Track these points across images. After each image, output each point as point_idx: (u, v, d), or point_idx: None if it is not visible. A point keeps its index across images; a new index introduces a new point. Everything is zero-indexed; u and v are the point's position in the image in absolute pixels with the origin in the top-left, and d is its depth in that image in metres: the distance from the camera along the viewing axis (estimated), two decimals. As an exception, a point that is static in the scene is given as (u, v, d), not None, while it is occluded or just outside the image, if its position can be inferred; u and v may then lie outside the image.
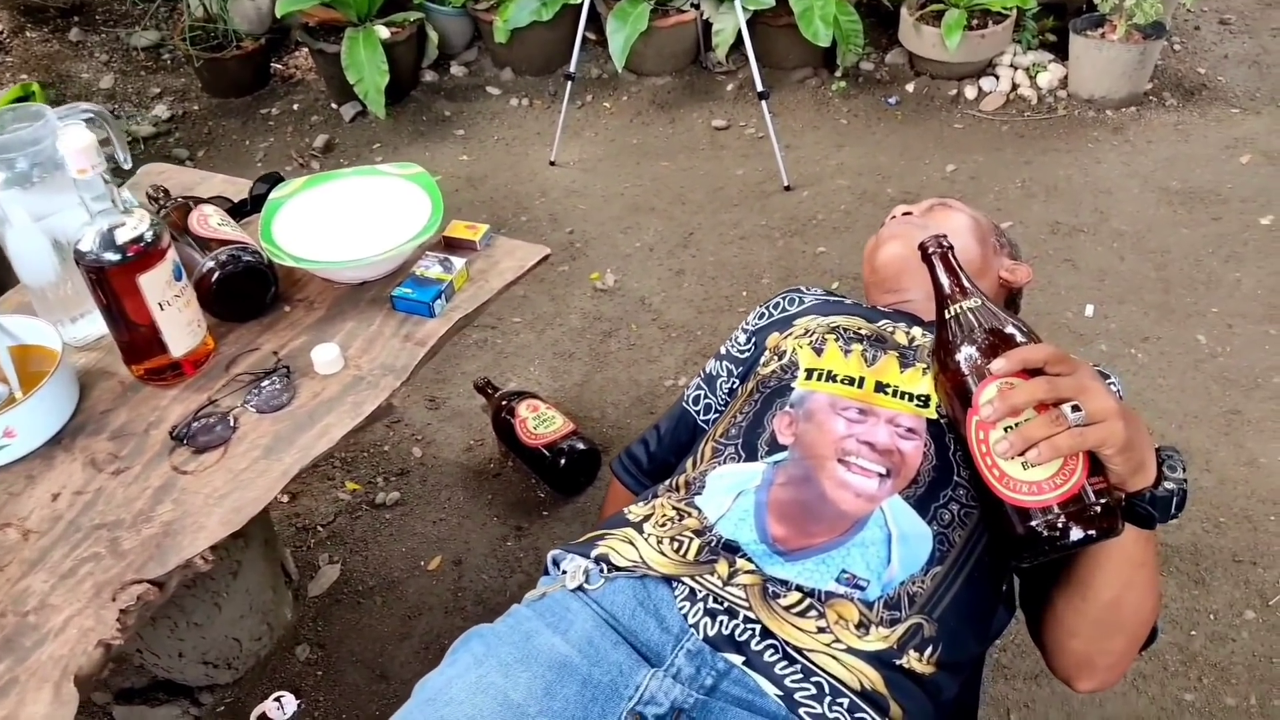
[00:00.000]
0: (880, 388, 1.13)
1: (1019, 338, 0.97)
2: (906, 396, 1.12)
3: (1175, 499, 0.92)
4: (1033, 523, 0.88)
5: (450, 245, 1.67)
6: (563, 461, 1.89)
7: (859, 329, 1.26)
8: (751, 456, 1.09)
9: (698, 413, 1.45)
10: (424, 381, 2.24)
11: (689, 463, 1.16)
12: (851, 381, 1.14)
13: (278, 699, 1.44)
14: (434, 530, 1.89)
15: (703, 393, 1.46)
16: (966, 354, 0.97)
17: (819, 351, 1.21)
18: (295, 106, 3.29)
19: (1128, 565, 0.96)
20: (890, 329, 1.27)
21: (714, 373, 1.45)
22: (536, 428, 1.93)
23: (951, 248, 1.05)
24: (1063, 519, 0.87)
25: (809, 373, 1.17)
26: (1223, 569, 1.72)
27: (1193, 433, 1.96)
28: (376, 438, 2.10)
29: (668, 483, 1.14)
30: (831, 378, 1.15)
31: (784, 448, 1.08)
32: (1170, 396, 2.04)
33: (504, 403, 2.00)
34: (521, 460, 1.97)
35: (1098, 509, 0.87)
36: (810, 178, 2.84)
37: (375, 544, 1.88)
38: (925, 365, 1.05)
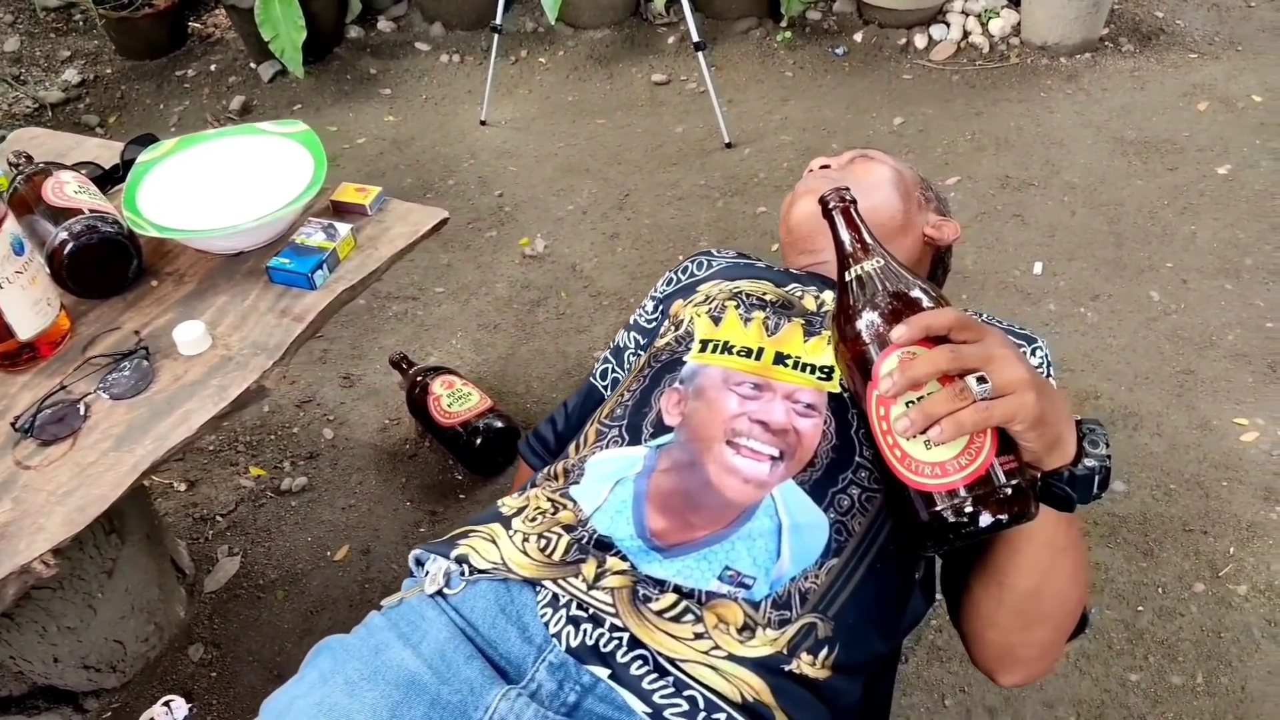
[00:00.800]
0: (780, 359, 1.02)
1: (925, 302, 0.86)
2: (808, 369, 1.01)
3: (1097, 478, 0.82)
4: (937, 508, 0.78)
5: (339, 210, 1.54)
6: (478, 440, 1.77)
7: (764, 294, 1.14)
8: (635, 439, 0.97)
9: (605, 388, 1.34)
10: (339, 358, 2.11)
11: (572, 447, 1.05)
12: (749, 353, 1.03)
13: (167, 703, 1.33)
14: (342, 518, 1.77)
15: (610, 366, 1.35)
16: (867, 320, 0.86)
17: (717, 320, 1.09)
18: (213, 68, 3.11)
19: (1047, 551, 0.87)
20: (799, 293, 1.16)
21: (621, 344, 1.34)
22: (450, 405, 1.80)
23: (854, 201, 0.94)
24: (970, 503, 0.77)
25: (704, 344, 1.06)
26: (1172, 539, 1.63)
27: (1143, 395, 1.87)
28: (285, 419, 1.98)
29: (546, 470, 1.03)
30: (727, 349, 1.04)
31: (669, 429, 0.97)
32: (1120, 357, 1.95)
33: (419, 379, 1.88)
34: (437, 440, 1.85)
35: (1008, 491, 0.77)
36: (753, 134, 2.71)
37: (279, 534, 1.75)
38: (831, 333, 0.94)
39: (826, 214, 0.95)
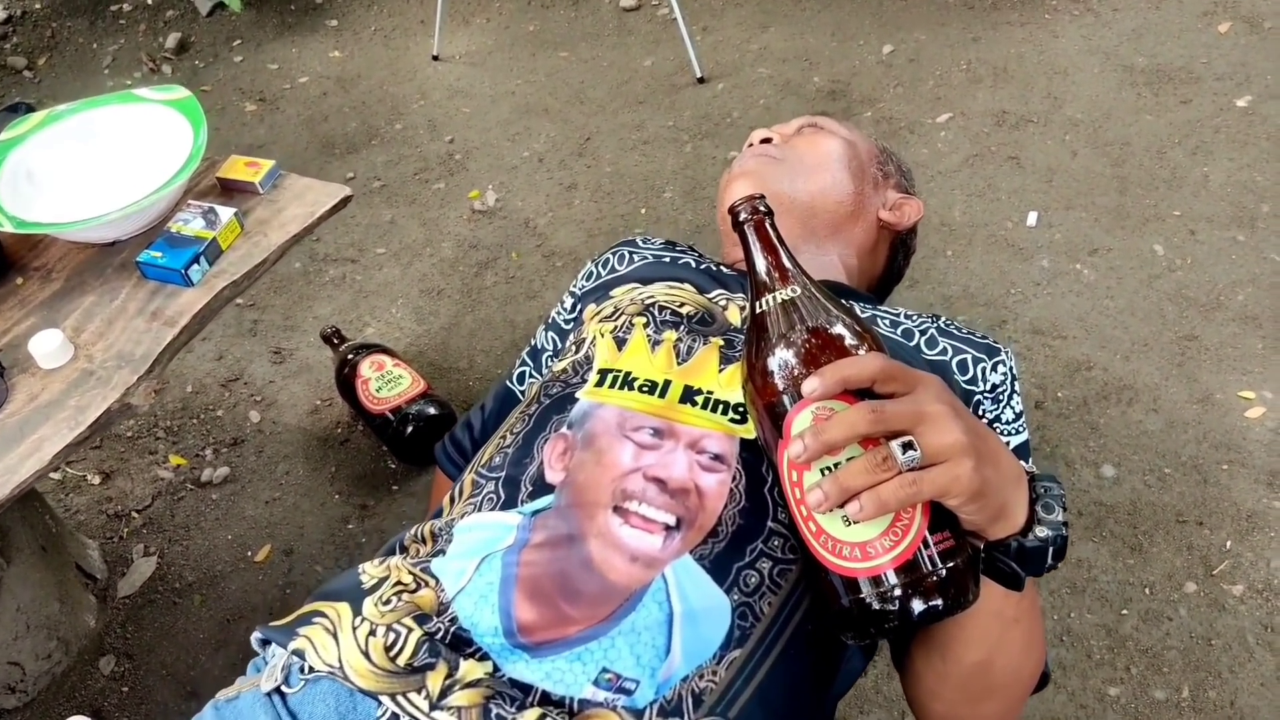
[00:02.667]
0: (688, 396, 0.86)
1: (848, 341, 0.70)
2: (720, 408, 0.85)
3: (1051, 548, 0.67)
4: (860, 594, 0.65)
5: (227, 189, 1.37)
6: (408, 429, 1.62)
7: (681, 304, 0.98)
8: (510, 500, 0.83)
9: (523, 393, 1.19)
10: (270, 329, 1.96)
11: (446, 499, 0.90)
12: (652, 388, 0.88)
13: (71, 726, 1.22)
14: (266, 513, 1.64)
15: (527, 369, 1.20)
16: (780, 362, 0.71)
17: (621, 343, 0.93)
18: (149, 1, 2.88)
19: (996, 622, 0.73)
20: (723, 302, 1.00)
21: (540, 345, 1.18)
22: (380, 389, 1.66)
23: (768, 213, 0.78)
24: (898, 589, 0.65)
25: (602, 376, 0.90)
26: (1164, 532, 1.48)
27: (1141, 364, 1.70)
28: (210, 400, 1.84)
29: (414, 531, 0.88)
30: (628, 383, 0.89)
31: (550, 488, 0.82)
32: (1117, 321, 1.77)
33: (349, 358, 1.72)
34: (367, 426, 1.71)
35: (942, 574, 0.65)
36: (727, 67, 2.48)
37: (198, 531, 1.63)
38: (741, 369, 0.77)
39: (736, 227, 0.78)
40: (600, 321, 0.96)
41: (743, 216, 0.77)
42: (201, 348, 1.92)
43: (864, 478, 0.61)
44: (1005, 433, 0.98)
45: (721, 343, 0.91)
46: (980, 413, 0.96)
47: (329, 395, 1.81)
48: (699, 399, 0.85)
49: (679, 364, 0.89)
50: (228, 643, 1.48)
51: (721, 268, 1.08)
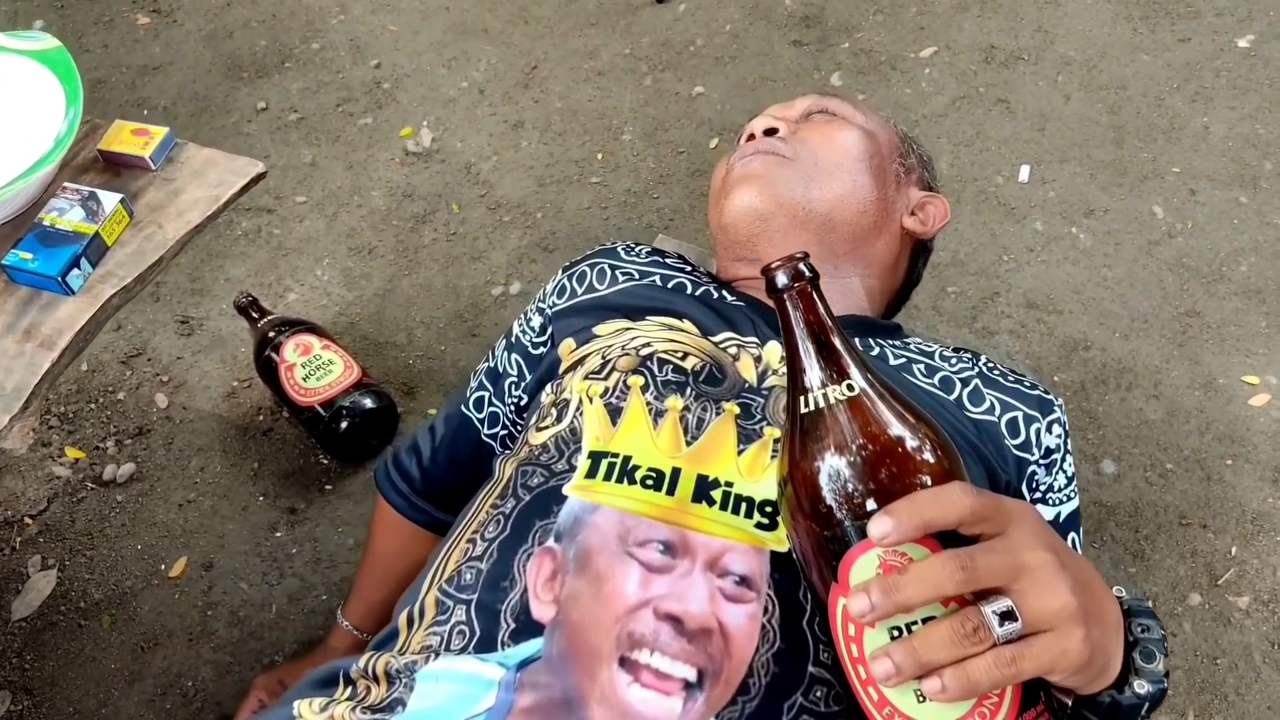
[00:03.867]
0: (703, 491, 0.71)
1: (924, 455, 0.55)
2: (743, 507, 0.70)
3: (1146, 705, 0.55)
4: None
5: (110, 163, 1.13)
6: (342, 425, 1.43)
7: (684, 355, 0.80)
8: (487, 640, 0.66)
9: (482, 423, 1.02)
10: (175, 294, 1.71)
11: (403, 617, 0.73)
12: (658, 481, 0.71)
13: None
14: (179, 518, 1.45)
15: (487, 395, 1.01)
16: (834, 478, 0.56)
17: (615, 413, 0.76)
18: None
19: None
20: (734, 349, 0.82)
21: (501, 368, 1.00)
22: (307, 379, 1.45)
23: (815, 277, 0.60)
24: None
25: (594, 461, 0.73)
26: (1166, 535, 1.39)
27: (1141, 344, 1.58)
28: (108, 380, 1.60)
29: (361, 664, 0.71)
30: (627, 474, 0.72)
31: (538, 628, 0.66)
32: (1115, 294, 1.65)
33: (270, 336, 1.50)
34: (294, 418, 1.51)
35: None
36: (689, -17, 2.23)
37: (103, 539, 1.43)
38: (780, 468, 0.61)
39: (774, 296, 0.61)
40: (587, 380, 0.78)
41: (781, 283, 0.60)
42: (96, 316, 1.67)
43: (949, 650, 0.46)
44: (1056, 500, 0.84)
45: (737, 410, 0.74)
46: (1034, 484, 0.82)
47: (247, 374, 1.59)
48: (716, 495, 0.69)
49: (688, 443, 0.72)
50: (142, 675, 1.30)
51: (723, 293, 0.90)
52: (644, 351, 0.79)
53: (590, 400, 0.75)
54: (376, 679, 0.67)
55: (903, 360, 0.83)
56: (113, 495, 1.47)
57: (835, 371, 0.57)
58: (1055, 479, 0.83)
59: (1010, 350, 1.58)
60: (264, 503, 1.46)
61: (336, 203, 1.83)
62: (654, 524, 0.67)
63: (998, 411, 0.82)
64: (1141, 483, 1.44)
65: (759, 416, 0.74)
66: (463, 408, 1.02)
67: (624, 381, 0.76)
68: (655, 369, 0.77)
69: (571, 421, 0.75)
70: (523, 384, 0.95)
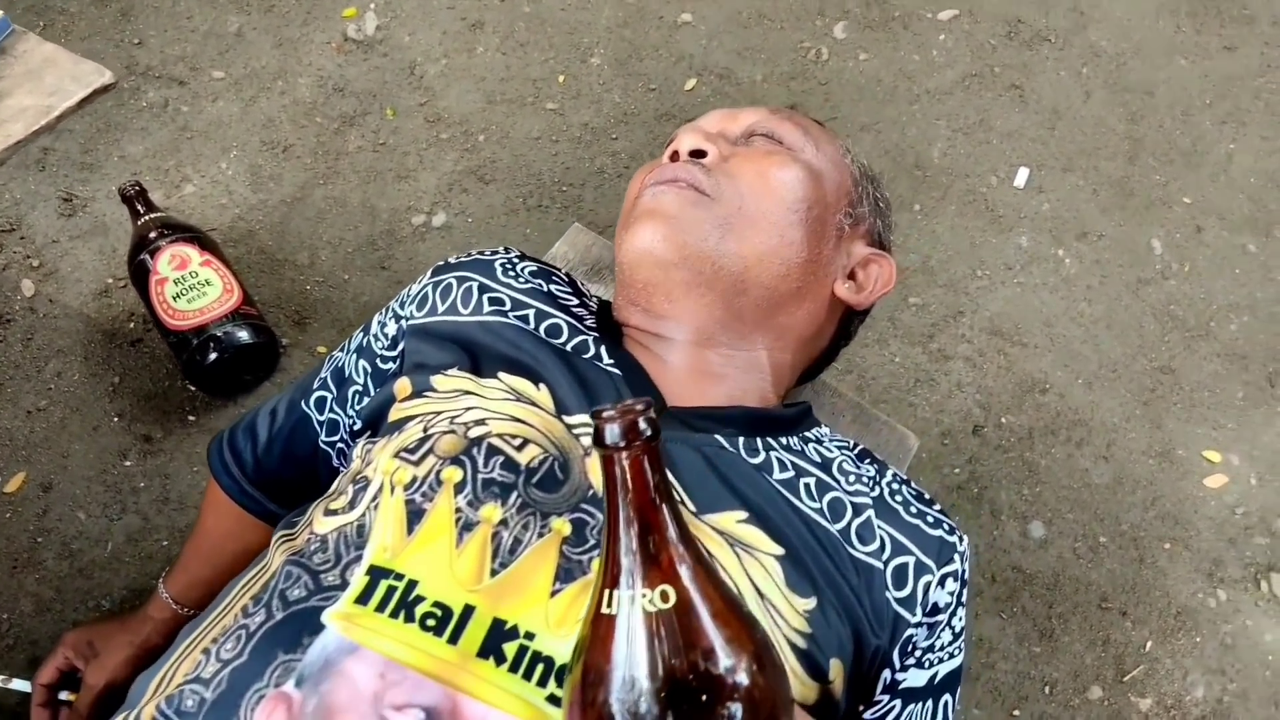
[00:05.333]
0: (494, 642, 0.59)
1: (738, 678, 0.45)
2: (539, 670, 0.58)
3: None
4: None
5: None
6: (209, 357, 1.28)
7: (521, 444, 0.66)
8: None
9: (321, 426, 0.87)
10: (63, 165, 1.53)
11: (154, 683, 0.60)
12: (442, 623, 0.59)
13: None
14: (25, 427, 1.31)
15: (329, 397, 0.87)
16: (625, 689, 0.45)
17: (415, 518, 0.62)
18: None
19: None
20: (589, 437, 0.68)
21: (348, 371, 0.85)
22: (178, 298, 1.29)
23: (654, 437, 0.47)
24: None
25: (370, 579, 0.60)
26: (1081, 616, 1.29)
27: (1103, 395, 1.45)
28: (-30, 255, 1.44)
29: None
30: (406, 606, 0.59)
31: (247, 801, 0.53)
32: (1089, 334, 1.50)
33: (148, 237, 1.33)
34: (162, 338, 1.35)
35: None
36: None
37: (-66, 439, 1.30)
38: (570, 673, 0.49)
39: (601, 453, 0.48)
40: (397, 459, 0.64)
41: (610, 440, 0.46)
42: (-33, 176, 1.49)
43: None
44: (933, 661, 0.72)
45: (566, 531, 0.61)
46: (909, 647, 0.70)
47: (124, 273, 1.43)
48: (509, 649, 0.56)
49: (493, 571, 0.59)
50: (-47, 600, 1.19)
51: (601, 349, 0.75)
52: (474, 433, 0.64)
53: (391, 491, 0.61)
54: None
55: (790, 475, 0.69)
56: (-46, 390, 1.33)
57: (653, 571, 0.46)
58: (938, 638, 0.71)
59: (961, 380, 1.44)
60: (118, 424, 1.32)
61: (257, 85, 1.63)
62: (422, 681, 0.54)
63: (886, 553, 0.69)
64: (1069, 553, 1.33)
65: (591, 543, 0.60)
66: (303, 404, 0.87)
67: (437, 474, 0.62)
68: (480, 461, 0.62)
69: (364, 514, 0.61)
70: (364, 400, 0.81)
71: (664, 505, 0.46)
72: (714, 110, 0.85)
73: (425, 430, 0.65)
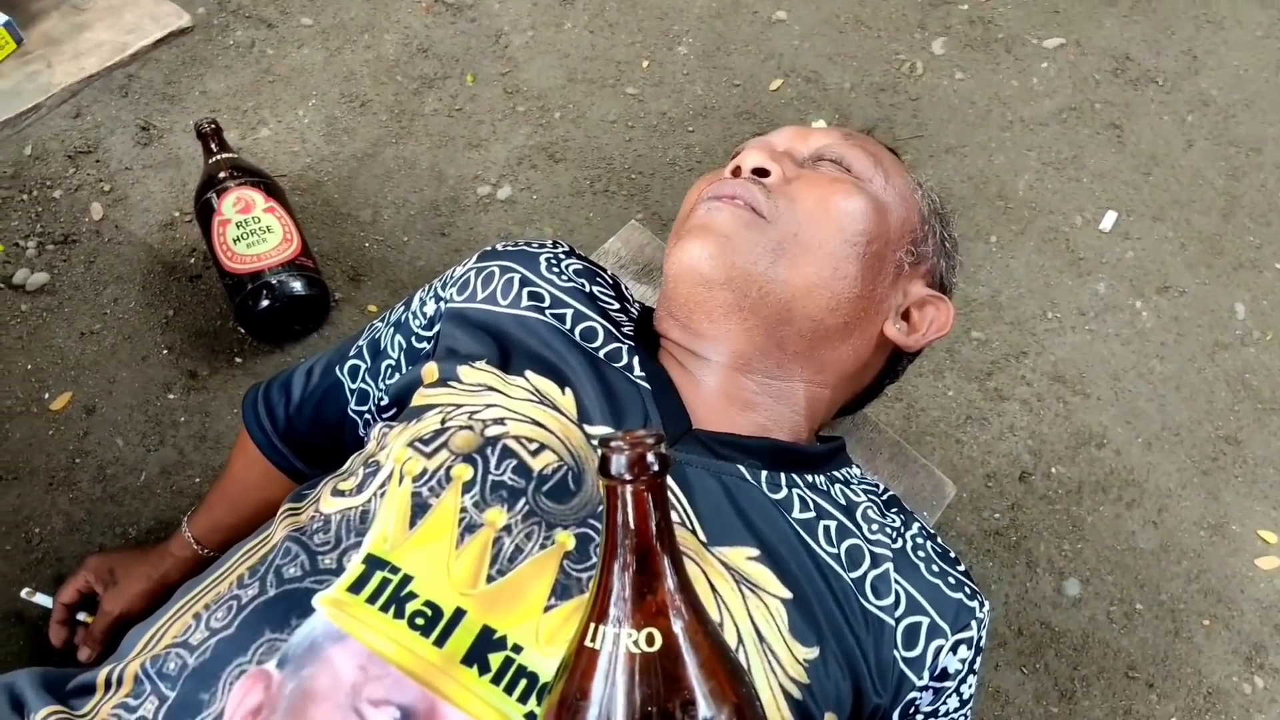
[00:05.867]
0: (480, 650, 0.58)
1: None
2: (520, 685, 0.57)
3: None
4: None
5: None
6: (261, 304, 1.29)
7: (538, 449, 0.65)
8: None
9: (352, 394, 0.88)
10: (145, 94, 1.55)
11: (103, 675, 0.61)
12: (431, 622, 0.58)
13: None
14: (77, 349, 1.34)
15: (363, 365, 0.87)
16: None
17: (420, 512, 0.62)
18: None
19: None
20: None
21: (384, 344, 0.85)
22: (238, 241, 1.30)
23: (662, 473, 0.45)
24: None
25: (366, 570, 0.59)
26: (1106, 682, 1.25)
27: (1160, 458, 1.39)
28: (50, 172, 1.46)
29: (107, 672, 0.60)
30: (398, 601, 0.58)
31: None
32: (1157, 393, 1.44)
33: (217, 177, 1.34)
34: (219, 278, 1.37)
35: None
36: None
37: (-8, 348, 1.33)
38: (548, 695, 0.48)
39: (605, 482, 0.47)
40: (411, 447, 0.63)
41: (615, 471, 0.45)
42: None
43: None
44: (935, 726, 0.69)
45: (570, 545, 0.60)
46: (911, 711, 0.67)
47: (191, 209, 1.44)
48: (495, 660, 0.55)
49: (490, 578, 0.58)
50: (-11, 508, 1.22)
51: (634, 359, 0.73)
52: (491, 432, 0.63)
53: (399, 482, 0.60)
54: (111, 683, 0.57)
55: (810, 515, 0.67)
56: (17, 303, 1.36)
57: (642, 612, 0.45)
58: (943, 703, 0.68)
59: (1014, 423, 1.39)
60: (166, 357, 1.34)
61: (344, 36, 1.63)
62: (402, 679, 0.53)
63: (900, 609, 0.66)
64: (1102, 616, 1.28)
65: (593, 560, 0.59)
66: (338, 369, 0.87)
67: (448, 469, 0.61)
68: (493, 462, 0.61)
69: (370, 500, 0.60)
70: (395, 375, 0.81)
71: (662, 544, 0.45)
72: (787, 126, 0.82)
73: (443, 422, 0.64)
